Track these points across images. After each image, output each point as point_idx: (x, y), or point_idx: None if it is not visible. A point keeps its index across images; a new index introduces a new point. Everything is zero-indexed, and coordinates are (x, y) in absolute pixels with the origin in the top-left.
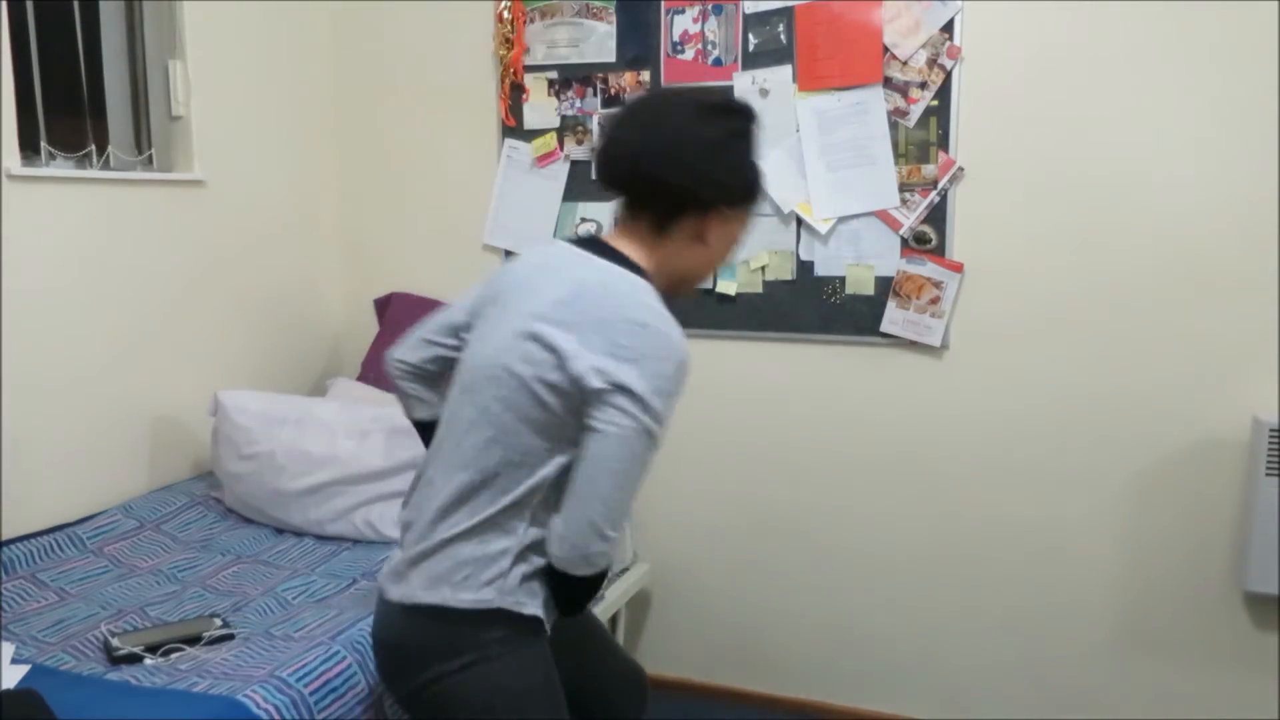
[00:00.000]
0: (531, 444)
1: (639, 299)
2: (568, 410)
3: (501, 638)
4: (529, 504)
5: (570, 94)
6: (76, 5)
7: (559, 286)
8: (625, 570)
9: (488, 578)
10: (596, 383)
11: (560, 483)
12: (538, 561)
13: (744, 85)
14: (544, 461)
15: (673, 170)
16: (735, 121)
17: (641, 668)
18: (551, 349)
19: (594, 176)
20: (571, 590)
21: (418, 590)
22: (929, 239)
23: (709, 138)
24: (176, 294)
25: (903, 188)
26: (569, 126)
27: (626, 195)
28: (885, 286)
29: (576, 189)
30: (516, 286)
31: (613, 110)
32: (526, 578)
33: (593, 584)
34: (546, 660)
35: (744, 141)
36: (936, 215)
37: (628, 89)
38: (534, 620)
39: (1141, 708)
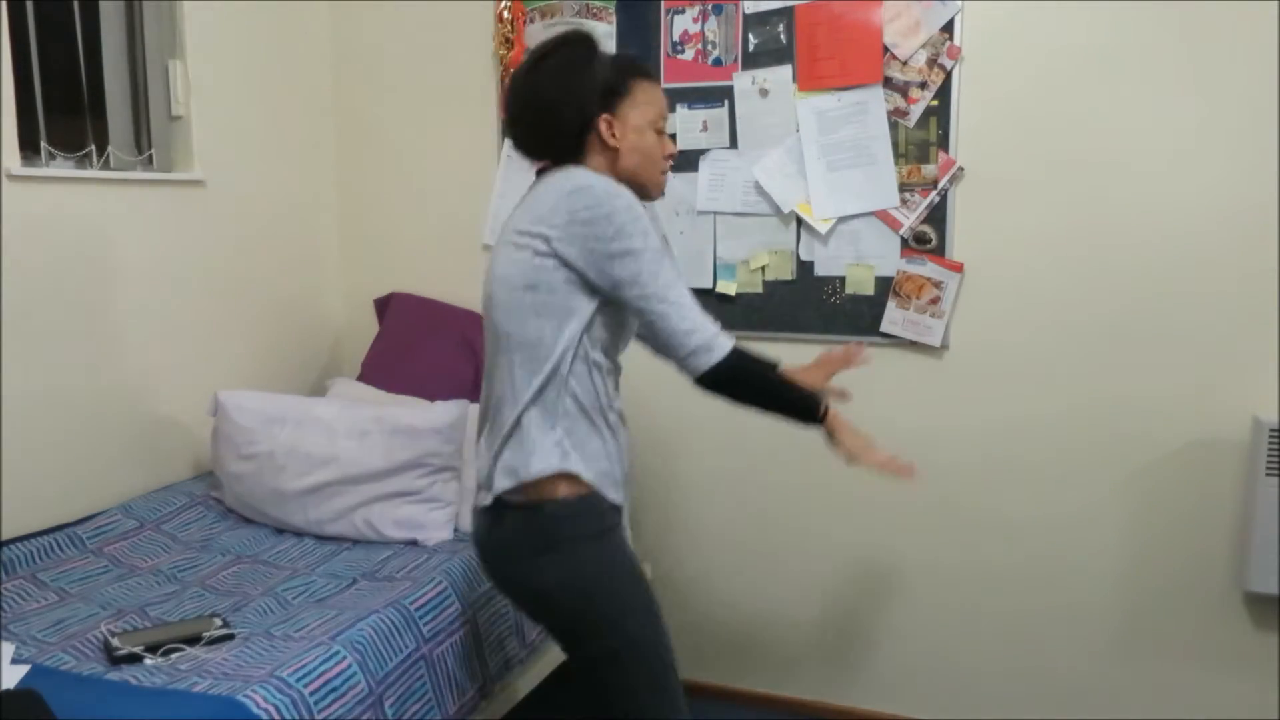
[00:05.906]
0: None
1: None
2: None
3: None
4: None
5: None
6: (76, 5)
7: None
8: None
9: None
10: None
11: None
12: None
13: (744, 85)
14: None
15: (534, 122)
16: (552, 51)
17: None
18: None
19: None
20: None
21: None
22: (929, 239)
23: (538, 81)
24: (176, 294)
25: (903, 188)
26: None
27: (533, 156)
28: (885, 286)
29: None
30: None
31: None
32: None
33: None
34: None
35: (565, 60)
36: (936, 215)
37: None
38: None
39: (1142, 708)
